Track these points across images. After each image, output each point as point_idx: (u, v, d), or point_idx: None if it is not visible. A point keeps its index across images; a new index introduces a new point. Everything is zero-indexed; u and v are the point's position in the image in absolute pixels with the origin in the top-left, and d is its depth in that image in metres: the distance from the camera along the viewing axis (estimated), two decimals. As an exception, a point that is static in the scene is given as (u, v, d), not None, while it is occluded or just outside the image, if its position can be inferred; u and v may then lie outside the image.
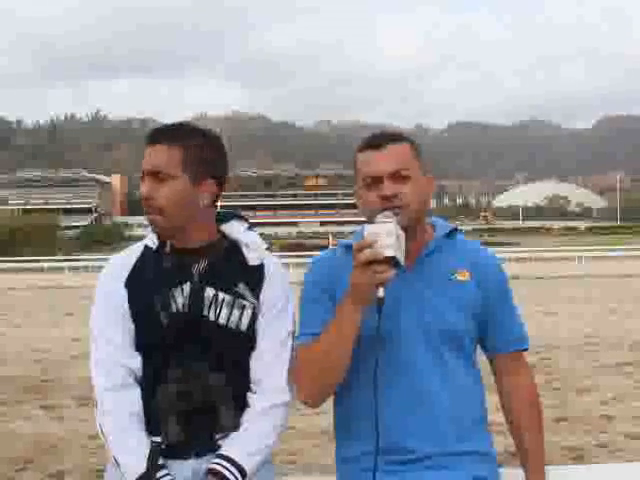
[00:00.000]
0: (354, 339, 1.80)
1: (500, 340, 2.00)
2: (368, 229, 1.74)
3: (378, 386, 1.83)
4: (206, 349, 1.88)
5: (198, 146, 1.90)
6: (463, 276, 1.95)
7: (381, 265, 1.69)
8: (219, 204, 2.03)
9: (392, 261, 1.69)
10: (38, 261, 37.89)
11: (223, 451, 1.87)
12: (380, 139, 1.92)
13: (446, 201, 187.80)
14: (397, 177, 1.87)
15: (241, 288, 1.92)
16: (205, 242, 1.94)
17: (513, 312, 2.03)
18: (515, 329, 2.02)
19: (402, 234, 1.74)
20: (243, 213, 2.11)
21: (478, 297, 1.95)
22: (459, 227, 2.08)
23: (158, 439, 1.86)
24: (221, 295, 1.90)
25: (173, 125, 1.96)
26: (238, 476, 1.84)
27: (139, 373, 1.91)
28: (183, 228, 1.91)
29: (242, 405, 1.91)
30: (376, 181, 1.88)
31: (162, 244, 1.96)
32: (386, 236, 1.70)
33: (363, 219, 1.89)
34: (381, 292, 1.72)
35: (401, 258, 1.71)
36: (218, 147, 1.96)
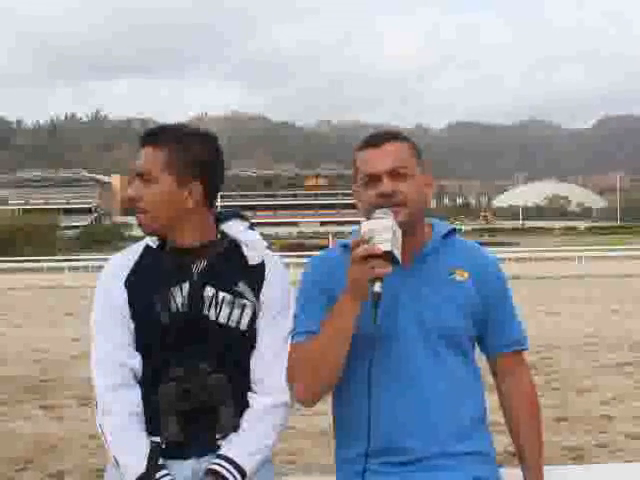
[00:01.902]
0: (351, 336, 1.81)
1: (499, 340, 2.00)
2: (365, 225, 1.76)
3: (376, 385, 1.84)
4: (206, 348, 1.88)
5: (185, 148, 1.90)
6: (462, 276, 1.95)
7: (378, 260, 1.70)
8: (219, 204, 2.03)
9: (389, 256, 1.70)
10: (38, 261, 37.87)
11: (223, 451, 1.87)
12: (378, 138, 1.93)
13: (446, 201, 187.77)
14: (395, 175, 1.88)
15: (241, 287, 1.92)
16: (204, 241, 1.94)
17: (512, 312, 2.03)
18: (514, 329, 2.02)
19: (399, 230, 1.75)
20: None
21: (477, 297, 1.95)
22: (458, 227, 2.08)
23: (158, 439, 1.86)
24: (221, 294, 1.90)
25: (163, 127, 1.96)
26: (238, 476, 1.84)
27: (139, 373, 1.91)
28: (171, 228, 1.92)
29: (242, 405, 1.91)
30: (374, 179, 1.88)
31: (162, 244, 1.96)
32: (383, 231, 1.71)
33: (363, 219, 1.89)
34: (378, 287, 1.72)
35: (398, 254, 1.72)
36: (209, 148, 1.94)
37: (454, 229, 2.03)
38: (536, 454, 1.98)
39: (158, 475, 1.83)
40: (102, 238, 72.23)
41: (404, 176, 1.88)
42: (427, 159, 2.00)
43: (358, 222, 1.92)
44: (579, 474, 2.26)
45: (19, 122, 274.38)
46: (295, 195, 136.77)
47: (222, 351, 1.89)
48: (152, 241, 1.97)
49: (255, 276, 1.94)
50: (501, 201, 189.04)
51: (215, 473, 1.84)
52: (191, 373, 1.85)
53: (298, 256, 26.91)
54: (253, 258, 1.95)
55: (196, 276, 1.91)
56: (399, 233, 1.74)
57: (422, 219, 1.98)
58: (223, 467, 1.84)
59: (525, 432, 1.99)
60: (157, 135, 1.93)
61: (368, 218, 1.81)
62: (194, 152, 1.91)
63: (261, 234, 2.03)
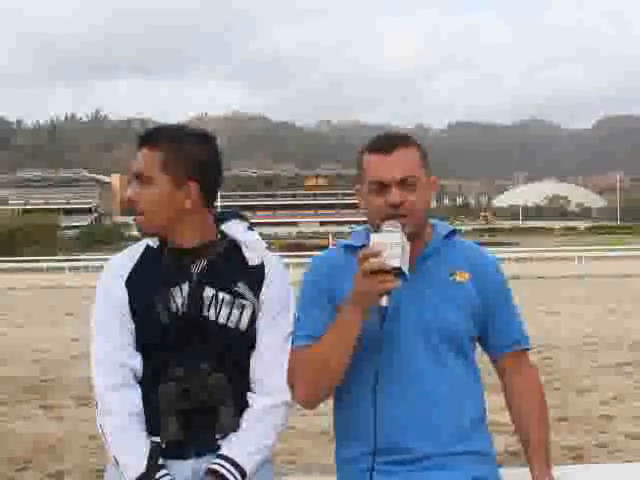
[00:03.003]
0: (353, 345, 1.81)
1: (502, 340, 2.00)
2: (375, 238, 1.74)
3: (377, 386, 1.84)
4: (206, 349, 1.88)
5: (182, 148, 1.89)
6: (462, 277, 1.95)
7: (386, 275, 1.70)
8: (219, 204, 2.03)
9: (397, 271, 1.70)
10: (38, 261, 37.89)
11: (223, 451, 1.87)
12: (389, 144, 1.90)
13: (446, 201, 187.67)
14: (405, 184, 1.87)
15: (241, 287, 1.92)
16: (204, 242, 1.94)
17: (514, 312, 2.03)
18: (516, 329, 2.02)
19: (407, 244, 1.75)
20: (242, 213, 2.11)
21: (477, 297, 1.95)
22: (459, 228, 2.09)
23: (158, 439, 1.86)
24: (221, 295, 1.90)
25: (160, 128, 1.96)
26: (238, 476, 1.84)
27: (139, 373, 1.91)
28: (170, 228, 1.92)
29: (242, 405, 1.91)
30: (383, 187, 1.87)
31: (163, 244, 1.96)
32: (393, 246, 1.70)
33: (363, 219, 1.89)
34: (384, 301, 1.73)
35: (406, 269, 1.72)
36: (206, 148, 1.94)
37: (454, 230, 2.03)
38: (545, 450, 1.96)
39: (158, 475, 1.83)
40: (102, 238, 72.13)
41: (413, 185, 1.87)
42: (428, 159, 2.00)
43: (358, 222, 1.92)
44: (579, 474, 2.26)
45: (19, 122, 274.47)
46: (295, 195, 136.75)
47: (222, 351, 1.89)
48: (152, 241, 1.97)
49: (255, 276, 1.94)
50: (501, 201, 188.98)
51: (215, 473, 1.84)
52: (191, 373, 1.86)
53: (298, 256, 26.90)
54: (253, 259, 1.95)
55: (196, 276, 1.91)
56: (407, 247, 1.74)
57: (426, 223, 1.98)
58: (223, 467, 1.84)
59: (534, 429, 1.96)
60: (154, 136, 1.92)
61: (376, 230, 1.80)
62: (191, 152, 1.90)
63: (260, 234, 2.03)
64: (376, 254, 1.70)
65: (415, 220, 1.87)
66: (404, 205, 1.85)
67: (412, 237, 1.81)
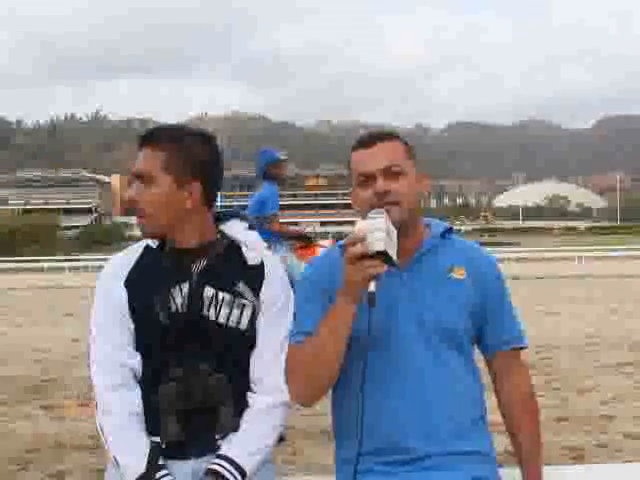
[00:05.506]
0: (346, 337, 1.81)
1: (498, 338, 2.00)
2: (359, 225, 1.75)
3: (376, 386, 1.84)
4: (206, 349, 1.88)
5: (184, 148, 1.90)
6: (460, 274, 1.95)
7: (372, 260, 1.70)
8: (218, 204, 2.03)
9: (383, 256, 1.70)
10: (38, 261, 37.83)
11: (223, 451, 1.87)
12: (371, 138, 1.94)
13: (446, 201, 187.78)
14: (389, 174, 1.88)
15: (241, 287, 1.92)
16: (204, 242, 1.94)
17: (510, 310, 2.03)
18: (513, 327, 2.02)
19: (394, 230, 1.74)
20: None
21: (475, 295, 1.95)
22: (458, 227, 2.09)
23: (158, 439, 1.86)
24: (221, 294, 1.90)
25: (161, 128, 1.96)
26: (238, 476, 1.84)
27: (139, 373, 1.91)
28: (171, 229, 1.92)
29: (242, 405, 1.92)
30: (369, 179, 1.89)
31: (162, 244, 1.96)
32: (376, 231, 1.70)
33: (359, 219, 1.90)
34: (372, 286, 1.72)
35: (393, 253, 1.71)
36: (208, 148, 1.94)
37: (451, 228, 2.03)
38: (534, 454, 1.98)
39: (158, 475, 1.83)
40: (102, 238, 72.12)
41: (397, 174, 1.89)
42: (426, 159, 2.02)
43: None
44: (579, 474, 2.26)
45: (19, 122, 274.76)
46: (295, 195, 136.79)
47: (222, 351, 1.89)
48: (152, 241, 1.98)
49: (255, 276, 1.94)
50: (501, 201, 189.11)
51: (215, 473, 1.84)
52: (191, 373, 1.86)
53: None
54: (253, 258, 1.95)
55: (196, 276, 1.91)
56: (394, 233, 1.74)
57: (418, 218, 1.98)
58: (223, 467, 1.84)
59: (523, 432, 1.98)
60: (155, 136, 1.92)
61: (363, 218, 1.81)
62: (193, 152, 1.91)
63: (260, 234, 2.03)
64: (360, 240, 1.70)
65: (402, 209, 1.87)
66: (389, 193, 1.86)
67: (402, 230, 1.81)
